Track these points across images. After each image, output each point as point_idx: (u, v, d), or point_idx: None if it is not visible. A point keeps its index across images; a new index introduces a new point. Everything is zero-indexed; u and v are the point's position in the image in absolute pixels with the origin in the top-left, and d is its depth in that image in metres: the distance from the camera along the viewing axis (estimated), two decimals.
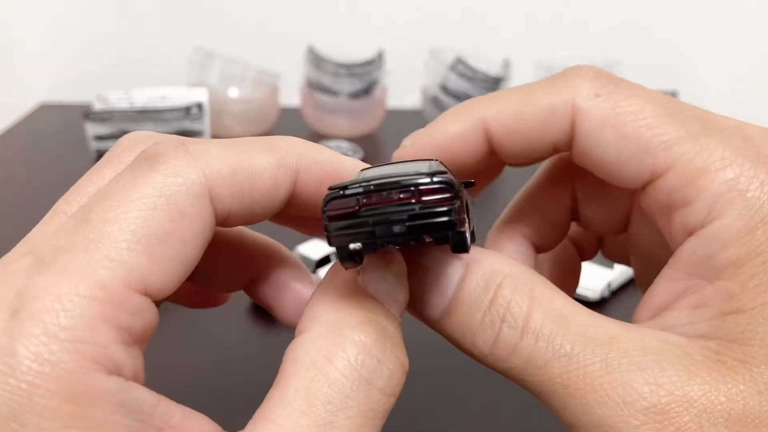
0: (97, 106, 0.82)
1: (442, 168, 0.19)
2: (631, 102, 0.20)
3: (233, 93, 0.90)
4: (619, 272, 0.52)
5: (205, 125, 0.83)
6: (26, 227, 0.21)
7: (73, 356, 0.15)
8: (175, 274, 0.18)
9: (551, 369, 0.19)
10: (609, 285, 0.52)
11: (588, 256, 0.31)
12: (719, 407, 0.18)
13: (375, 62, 0.92)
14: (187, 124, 0.82)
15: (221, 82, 0.89)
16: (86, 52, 1.03)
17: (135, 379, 0.17)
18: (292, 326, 0.26)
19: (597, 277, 0.51)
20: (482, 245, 0.25)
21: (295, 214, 0.22)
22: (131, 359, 0.17)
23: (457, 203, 0.17)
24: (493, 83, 0.91)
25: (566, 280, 0.30)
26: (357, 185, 0.17)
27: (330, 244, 0.18)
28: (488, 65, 0.92)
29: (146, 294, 0.17)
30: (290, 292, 0.27)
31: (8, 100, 1.00)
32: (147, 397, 0.17)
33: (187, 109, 0.82)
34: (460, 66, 0.91)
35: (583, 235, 0.30)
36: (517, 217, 0.27)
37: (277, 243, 0.27)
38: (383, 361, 0.19)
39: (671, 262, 0.21)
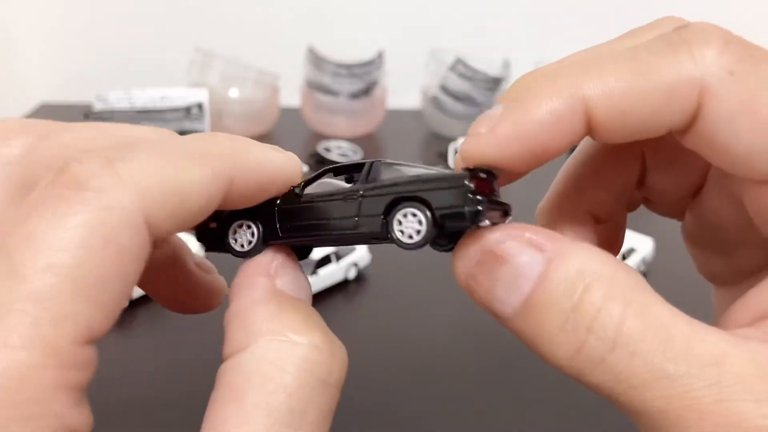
0: (98, 106, 0.82)
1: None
2: None
3: (233, 93, 0.90)
4: None
5: (206, 125, 0.83)
6: None
7: None
8: (116, 311, 0.17)
9: (648, 391, 0.16)
10: None
11: (632, 208, 0.27)
12: None
13: (375, 62, 0.92)
14: (188, 125, 0.82)
15: (221, 82, 0.89)
16: (87, 52, 1.03)
17: None
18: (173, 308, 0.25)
19: None
20: (532, 221, 0.22)
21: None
22: (83, 416, 0.16)
23: None
24: (493, 83, 0.92)
25: (614, 237, 0.27)
26: (482, 172, 0.19)
27: (473, 215, 0.18)
28: (488, 65, 0.92)
29: (90, 341, 0.16)
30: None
31: (8, 100, 1.00)
32: None
33: (187, 110, 0.82)
34: (460, 66, 0.91)
35: (632, 195, 0.27)
36: (576, 190, 0.24)
37: None
38: (335, 356, 0.18)
39: None
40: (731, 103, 0.17)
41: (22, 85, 1.03)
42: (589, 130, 0.19)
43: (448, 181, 0.18)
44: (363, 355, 0.48)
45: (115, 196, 0.16)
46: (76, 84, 1.03)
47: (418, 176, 0.19)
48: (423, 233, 0.18)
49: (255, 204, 0.21)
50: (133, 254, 0.16)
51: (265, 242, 0.21)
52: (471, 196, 0.18)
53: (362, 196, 0.20)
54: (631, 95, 0.18)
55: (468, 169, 0.19)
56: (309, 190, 0.21)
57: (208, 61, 0.89)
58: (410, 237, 0.18)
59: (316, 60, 0.91)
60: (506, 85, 0.91)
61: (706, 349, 0.16)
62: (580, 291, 0.17)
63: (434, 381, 0.45)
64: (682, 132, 0.19)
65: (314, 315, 0.20)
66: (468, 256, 0.19)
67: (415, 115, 1.00)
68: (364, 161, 0.21)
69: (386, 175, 0.20)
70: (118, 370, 0.45)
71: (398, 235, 0.19)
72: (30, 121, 0.20)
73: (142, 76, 0.98)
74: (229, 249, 0.21)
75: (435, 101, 0.93)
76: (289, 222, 0.21)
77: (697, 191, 0.24)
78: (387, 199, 0.19)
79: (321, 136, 0.91)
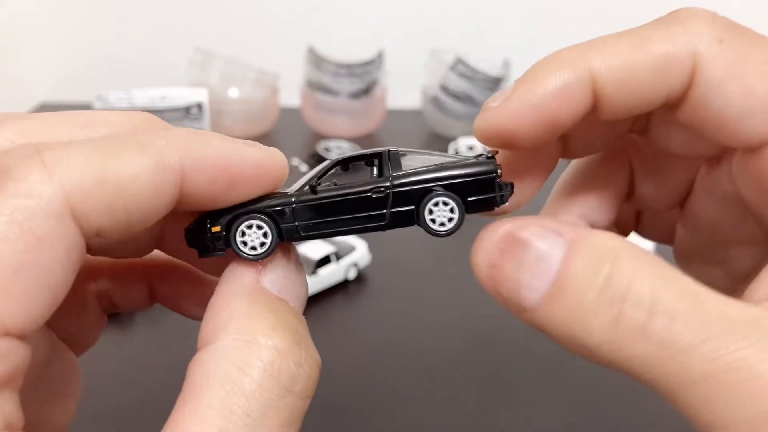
0: (97, 106, 0.82)
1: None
2: (762, 51, 0.18)
3: (233, 93, 0.90)
4: None
5: (205, 125, 0.83)
6: None
7: None
8: (42, 304, 0.16)
9: (690, 356, 0.16)
10: None
11: (625, 235, 0.28)
12: None
13: (375, 62, 0.92)
14: (187, 124, 0.82)
15: (221, 82, 0.89)
16: (86, 52, 1.03)
17: (8, 427, 0.16)
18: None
19: None
20: None
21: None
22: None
23: None
24: (493, 83, 0.92)
25: None
26: (493, 161, 0.21)
27: (502, 199, 0.20)
28: (488, 65, 0.92)
29: (7, 334, 0.15)
30: (193, 287, 0.26)
31: (8, 100, 1.00)
32: None
33: (187, 109, 0.82)
34: (460, 66, 0.91)
35: (623, 214, 0.27)
36: (571, 195, 0.25)
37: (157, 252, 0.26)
38: (301, 365, 0.18)
39: None
40: (721, 69, 0.18)
41: (22, 85, 1.03)
42: (595, 101, 0.20)
43: (479, 170, 0.20)
44: (362, 355, 0.48)
45: (36, 185, 0.16)
46: (76, 84, 1.03)
47: (444, 165, 0.20)
48: (455, 221, 0.20)
49: (233, 202, 0.19)
50: (55, 246, 0.16)
51: (280, 242, 0.20)
52: (499, 182, 0.20)
53: (391, 189, 0.20)
54: (631, 64, 0.19)
55: (488, 156, 0.20)
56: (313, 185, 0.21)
57: (208, 61, 0.89)
58: (442, 225, 0.20)
59: (316, 60, 0.91)
60: (506, 85, 0.91)
61: (740, 313, 0.16)
62: (609, 264, 0.17)
63: (433, 380, 0.45)
64: (678, 101, 0.20)
65: (291, 319, 0.19)
66: (488, 247, 0.19)
67: (415, 115, 1.00)
68: (376, 151, 0.21)
69: (406, 165, 0.20)
70: (118, 369, 0.45)
71: (430, 224, 0.20)
72: None
73: (142, 76, 0.98)
74: (237, 253, 0.20)
75: (435, 101, 0.93)
76: (309, 219, 0.20)
77: (684, 199, 0.25)
78: (419, 192, 0.20)
79: (321, 136, 0.91)
